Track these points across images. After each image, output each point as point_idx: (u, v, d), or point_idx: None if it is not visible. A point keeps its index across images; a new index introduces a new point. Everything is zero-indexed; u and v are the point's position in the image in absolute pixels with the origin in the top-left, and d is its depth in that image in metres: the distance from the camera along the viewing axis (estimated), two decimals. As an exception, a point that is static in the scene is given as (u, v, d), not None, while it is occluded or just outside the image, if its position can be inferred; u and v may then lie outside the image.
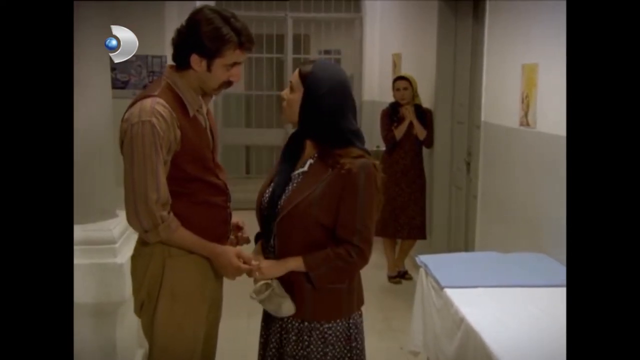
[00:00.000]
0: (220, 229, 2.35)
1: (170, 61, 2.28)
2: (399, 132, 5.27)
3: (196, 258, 2.25)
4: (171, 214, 2.17)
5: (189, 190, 2.23)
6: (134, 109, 2.13)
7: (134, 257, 2.31)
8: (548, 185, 3.31)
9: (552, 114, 3.30)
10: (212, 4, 7.71)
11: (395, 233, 5.37)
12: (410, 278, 5.47)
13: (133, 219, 2.14)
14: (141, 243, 2.26)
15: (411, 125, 5.26)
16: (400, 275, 5.52)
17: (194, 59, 2.14)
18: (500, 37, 4.10)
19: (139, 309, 2.30)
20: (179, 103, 2.18)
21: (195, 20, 2.14)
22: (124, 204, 2.16)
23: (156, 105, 2.11)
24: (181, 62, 2.19)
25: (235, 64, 2.18)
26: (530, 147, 3.62)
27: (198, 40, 2.12)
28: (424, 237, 5.39)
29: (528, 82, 3.61)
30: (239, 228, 2.45)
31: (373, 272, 5.67)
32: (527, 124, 3.63)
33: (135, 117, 2.09)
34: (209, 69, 2.16)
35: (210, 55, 2.14)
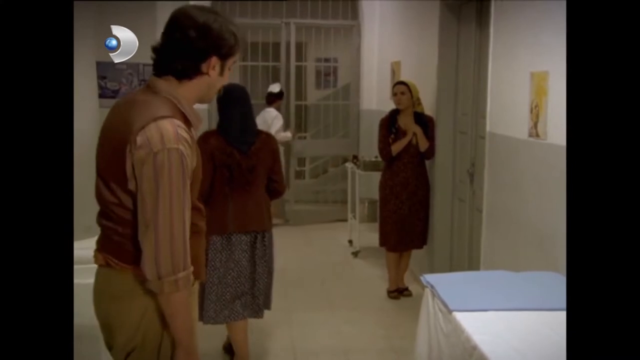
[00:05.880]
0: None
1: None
2: (396, 147, 5.11)
3: (194, 289, 2.05)
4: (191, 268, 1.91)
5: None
6: (152, 131, 1.83)
7: (117, 300, 1.97)
8: (561, 199, 3.13)
9: (564, 125, 3.12)
10: (207, 4, 7.54)
11: (396, 246, 5.21)
12: (410, 294, 5.29)
13: (149, 262, 1.84)
14: (133, 282, 1.94)
15: (413, 135, 5.10)
16: (399, 291, 5.34)
17: (213, 63, 1.95)
18: (506, 43, 3.93)
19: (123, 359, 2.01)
20: (185, 123, 1.94)
21: (200, 22, 1.92)
22: (141, 243, 1.86)
23: (178, 129, 1.86)
24: (190, 71, 1.95)
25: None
26: (540, 160, 3.44)
27: (216, 41, 1.93)
28: (421, 246, 5.27)
29: (538, 90, 3.43)
30: None
31: (373, 284, 5.51)
32: (537, 135, 3.45)
33: (157, 143, 1.82)
34: (222, 71, 1.98)
35: (227, 55, 1.96)
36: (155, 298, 1.91)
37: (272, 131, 6.88)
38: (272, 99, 7.53)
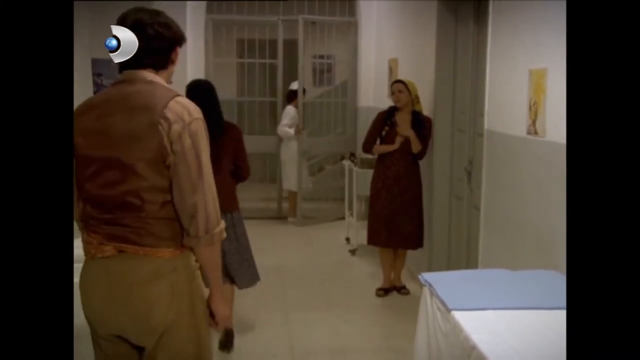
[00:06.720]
0: None
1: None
2: (379, 149, 5.19)
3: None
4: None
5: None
6: (177, 107, 2.04)
7: (144, 284, 2.05)
8: (559, 197, 3.13)
9: (563, 122, 3.11)
10: (202, 5, 7.52)
11: (387, 242, 5.20)
12: (408, 293, 5.29)
13: (202, 220, 2.05)
14: (157, 262, 2.05)
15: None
16: (397, 289, 5.34)
17: (177, 52, 2.19)
18: (504, 41, 3.92)
19: (156, 342, 2.10)
20: None
21: (163, 19, 2.13)
22: (189, 206, 2.03)
23: (193, 104, 2.10)
24: (165, 62, 2.17)
25: None
26: (539, 157, 3.44)
27: (177, 33, 2.17)
28: (414, 247, 5.23)
29: (536, 88, 3.43)
30: None
31: (371, 283, 5.49)
32: (536, 133, 3.45)
33: (186, 116, 2.04)
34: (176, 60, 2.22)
35: (182, 44, 2.21)
36: (180, 273, 2.06)
37: (279, 126, 7.83)
38: (292, 97, 7.89)
